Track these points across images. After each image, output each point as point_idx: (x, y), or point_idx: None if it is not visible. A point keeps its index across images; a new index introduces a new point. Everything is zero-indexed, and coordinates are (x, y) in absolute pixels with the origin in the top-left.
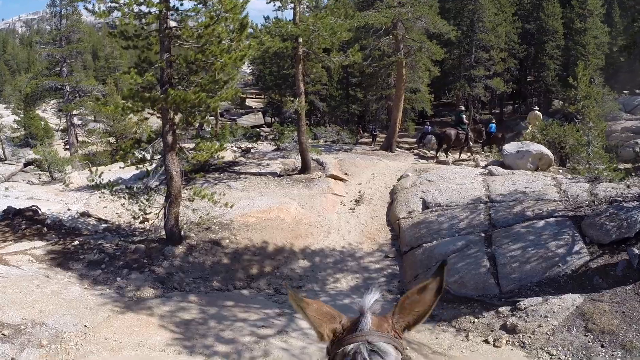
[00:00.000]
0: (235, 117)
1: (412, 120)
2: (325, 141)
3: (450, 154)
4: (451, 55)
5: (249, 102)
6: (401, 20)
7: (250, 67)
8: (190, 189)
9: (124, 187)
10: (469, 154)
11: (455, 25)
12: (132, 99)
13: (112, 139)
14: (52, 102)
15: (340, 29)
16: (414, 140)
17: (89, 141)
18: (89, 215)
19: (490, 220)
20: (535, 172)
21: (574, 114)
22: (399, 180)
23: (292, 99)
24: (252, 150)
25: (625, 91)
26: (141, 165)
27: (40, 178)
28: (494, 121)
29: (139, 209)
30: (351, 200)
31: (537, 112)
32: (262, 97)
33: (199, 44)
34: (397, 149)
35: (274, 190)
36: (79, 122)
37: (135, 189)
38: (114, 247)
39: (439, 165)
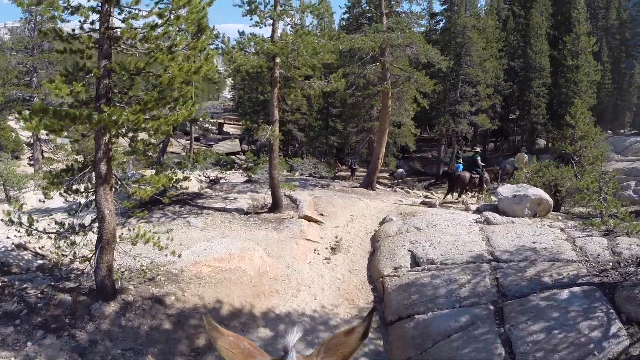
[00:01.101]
0: (211, 143)
1: (394, 155)
2: (302, 174)
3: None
4: (436, 89)
5: (227, 128)
6: (389, 46)
7: (232, 93)
8: (134, 229)
9: (54, 222)
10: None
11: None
12: (44, 114)
13: (80, 157)
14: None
15: (323, 49)
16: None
17: (55, 158)
18: (25, 248)
19: (499, 286)
20: (536, 220)
21: (570, 154)
22: (381, 224)
23: (266, 126)
24: (220, 181)
25: (609, 131)
26: (72, 198)
27: None
28: (460, 161)
29: (61, 254)
30: (326, 248)
31: (524, 153)
32: (241, 123)
33: (146, 51)
34: (378, 186)
35: (238, 232)
36: (47, 136)
37: (66, 225)
38: (39, 295)
39: (425, 208)
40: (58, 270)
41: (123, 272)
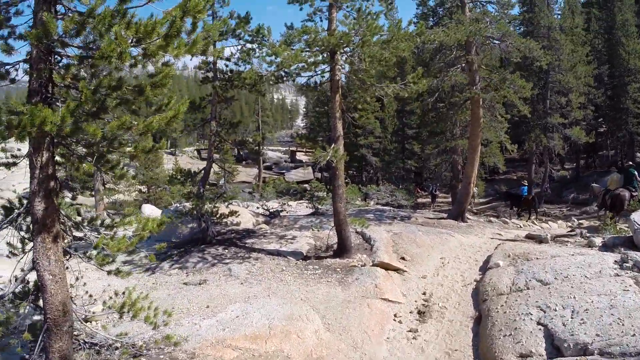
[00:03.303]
0: (284, 171)
1: (482, 178)
2: (377, 202)
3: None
4: (532, 94)
5: (300, 157)
6: (477, 42)
7: (304, 121)
8: (124, 293)
9: None
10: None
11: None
12: None
13: (143, 188)
14: None
15: (396, 37)
16: (486, 201)
17: (117, 189)
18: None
19: None
20: None
21: None
22: (483, 271)
23: (329, 149)
24: (282, 214)
25: None
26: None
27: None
28: (525, 183)
29: None
30: (411, 312)
31: (616, 174)
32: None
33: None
34: (469, 216)
35: (290, 287)
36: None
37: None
38: None
39: (536, 245)
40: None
41: (103, 354)
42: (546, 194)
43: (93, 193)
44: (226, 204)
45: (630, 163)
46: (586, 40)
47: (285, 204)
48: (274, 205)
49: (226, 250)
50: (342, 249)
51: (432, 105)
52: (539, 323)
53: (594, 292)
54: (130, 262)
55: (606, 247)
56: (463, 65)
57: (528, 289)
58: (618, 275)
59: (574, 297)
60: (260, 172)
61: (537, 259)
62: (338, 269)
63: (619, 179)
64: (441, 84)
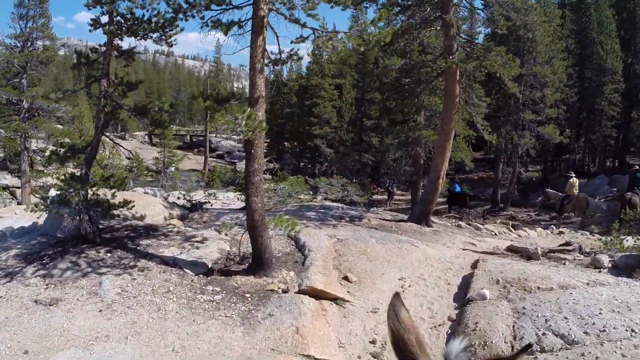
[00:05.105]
0: (235, 161)
1: (446, 175)
2: (326, 198)
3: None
4: (492, 92)
5: None
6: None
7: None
8: None
9: None
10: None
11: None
12: None
13: (76, 171)
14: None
15: None
16: (445, 201)
17: (45, 171)
18: None
19: None
20: None
21: None
22: (462, 304)
23: (239, 115)
24: (205, 206)
25: None
26: None
27: None
28: (458, 180)
29: None
30: None
31: (574, 178)
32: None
33: None
34: (434, 219)
35: (165, 322)
36: (35, 146)
37: None
38: None
39: (527, 263)
40: None
41: None
42: (513, 196)
43: (19, 175)
44: (113, 190)
45: (637, 167)
46: (562, 37)
47: (212, 194)
48: (196, 195)
49: (109, 254)
50: (258, 263)
51: (396, 79)
52: None
53: None
54: None
55: (618, 268)
56: (438, 28)
57: (545, 351)
58: None
59: None
60: (206, 160)
61: (540, 288)
62: (247, 295)
63: (577, 184)
64: (409, 47)
